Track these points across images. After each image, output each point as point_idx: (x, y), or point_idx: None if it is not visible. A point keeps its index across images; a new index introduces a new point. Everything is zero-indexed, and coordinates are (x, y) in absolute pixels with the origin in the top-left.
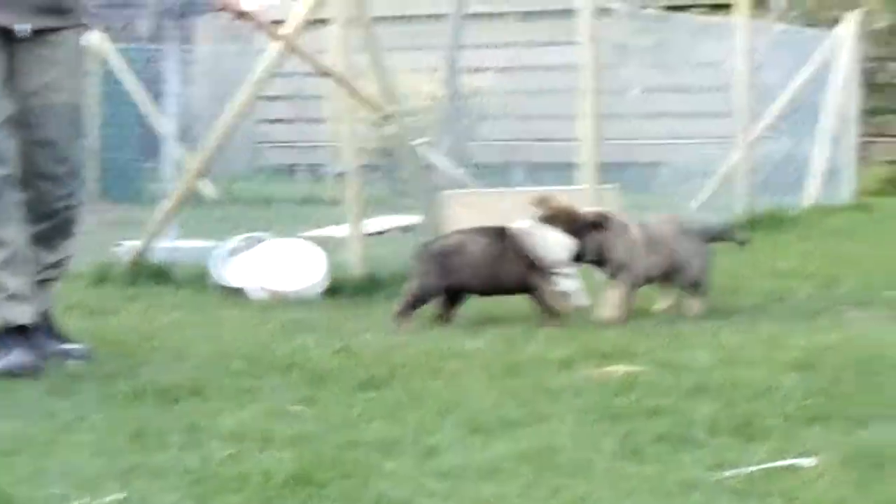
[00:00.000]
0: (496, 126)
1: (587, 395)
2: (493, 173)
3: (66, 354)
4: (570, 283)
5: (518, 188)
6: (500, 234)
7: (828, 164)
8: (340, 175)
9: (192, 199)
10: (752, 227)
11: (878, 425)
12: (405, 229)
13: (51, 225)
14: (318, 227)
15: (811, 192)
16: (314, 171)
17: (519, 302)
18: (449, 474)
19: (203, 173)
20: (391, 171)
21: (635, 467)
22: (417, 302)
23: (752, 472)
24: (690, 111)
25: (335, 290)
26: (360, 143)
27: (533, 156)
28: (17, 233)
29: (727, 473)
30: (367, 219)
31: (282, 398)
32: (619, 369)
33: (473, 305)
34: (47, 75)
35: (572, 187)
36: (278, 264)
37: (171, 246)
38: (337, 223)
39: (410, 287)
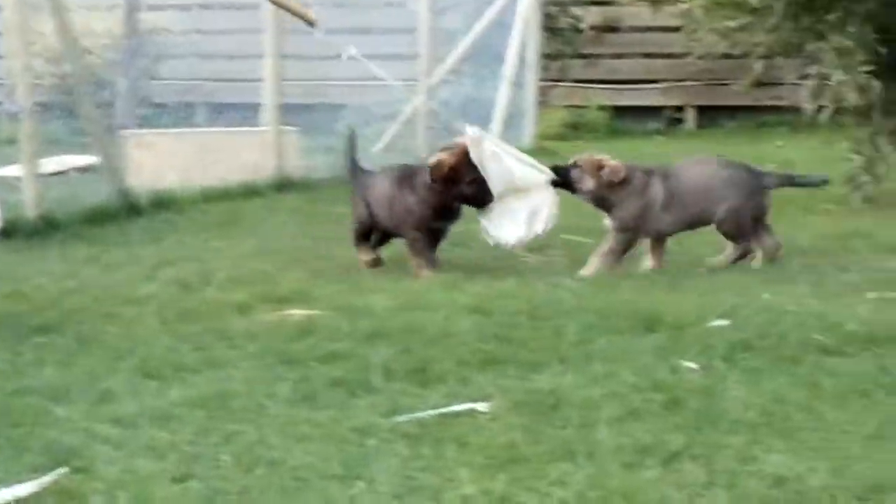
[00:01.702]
0: (177, 65)
1: (263, 340)
2: (174, 113)
3: None
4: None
5: (200, 129)
6: (403, 175)
7: (509, 107)
8: (15, 113)
9: None
10: None
11: (551, 370)
12: (83, 169)
13: None
14: None
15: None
16: None
17: (198, 245)
18: (121, 421)
19: None
20: (69, 110)
21: (309, 413)
22: (360, 233)
23: (425, 417)
24: (374, 53)
25: (9, 232)
26: (35, 79)
27: (216, 96)
28: None
29: (401, 419)
30: (43, 158)
31: None
32: (297, 313)
33: (148, 247)
34: None
35: (255, 128)
36: None
37: None
38: (11, 163)
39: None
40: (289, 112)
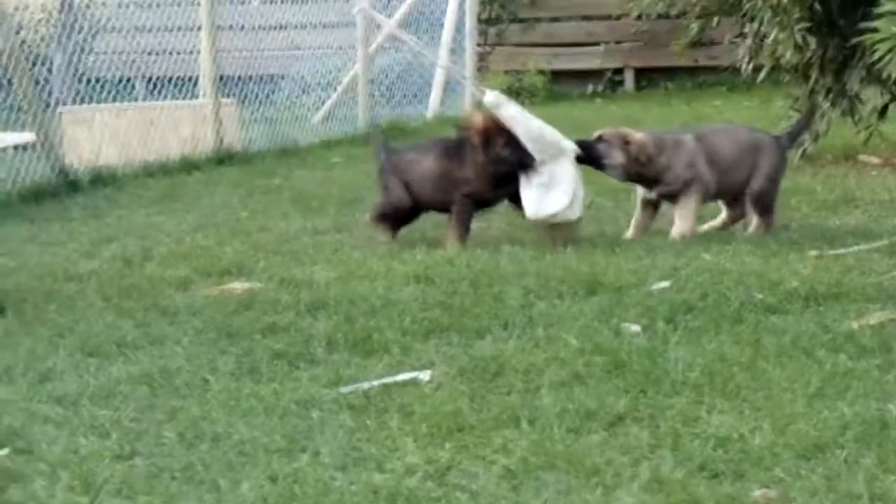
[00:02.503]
0: (114, 39)
1: (205, 315)
2: (112, 88)
3: None
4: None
5: (138, 103)
6: (452, 149)
7: (448, 74)
8: None
9: None
10: None
11: (494, 336)
12: (21, 147)
13: None
14: None
15: (432, 103)
16: None
17: (139, 220)
18: (63, 400)
19: None
20: (6, 87)
21: (252, 386)
22: (387, 215)
23: (369, 387)
24: (311, 21)
25: None
26: None
27: (154, 69)
28: None
29: (345, 390)
30: None
31: None
32: (238, 287)
33: (88, 224)
34: None
35: (193, 101)
36: None
37: None
38: None
39: (379, 201)
40: (227, 84)
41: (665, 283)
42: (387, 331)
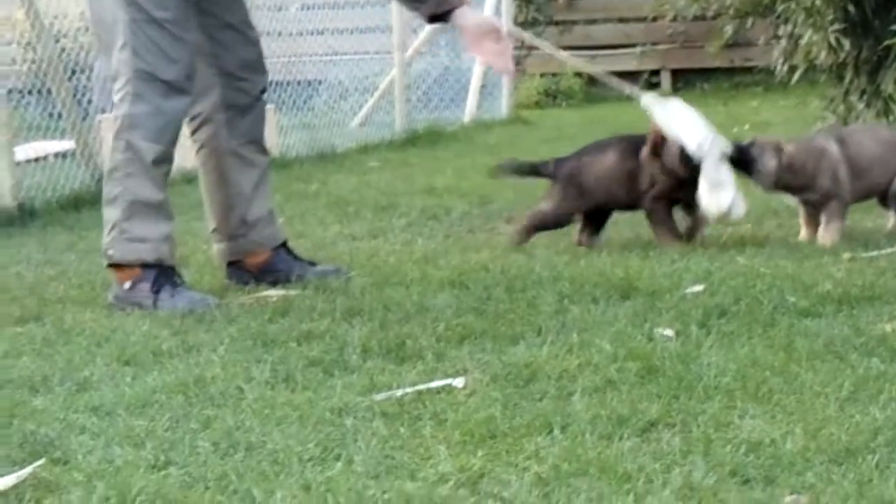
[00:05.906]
0: None
1: (241, 322)
2: None
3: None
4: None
5: None
6: (631, 148)
7: (484, 78)
8: None
9: None
10: (411, 143)
11: (528, 342)
12: (61, 155)
13: (254, 117)
14: None
15: (469, 108)
16: None
17: (177, 227)
18: (99, 409)
19: None
20: (43, 95)
21: (287, 395)
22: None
23: (403, 394)
24: (348, 27)
25: None
26: (8, 64)
27: None
28: None
29: (378, 397)
30: (18, 145)
31: None
32: (274, 294)
33: None
34: None
35: None
36: None
37: None
38: None
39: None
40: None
41: (699, 287)
42: (421, 337)
